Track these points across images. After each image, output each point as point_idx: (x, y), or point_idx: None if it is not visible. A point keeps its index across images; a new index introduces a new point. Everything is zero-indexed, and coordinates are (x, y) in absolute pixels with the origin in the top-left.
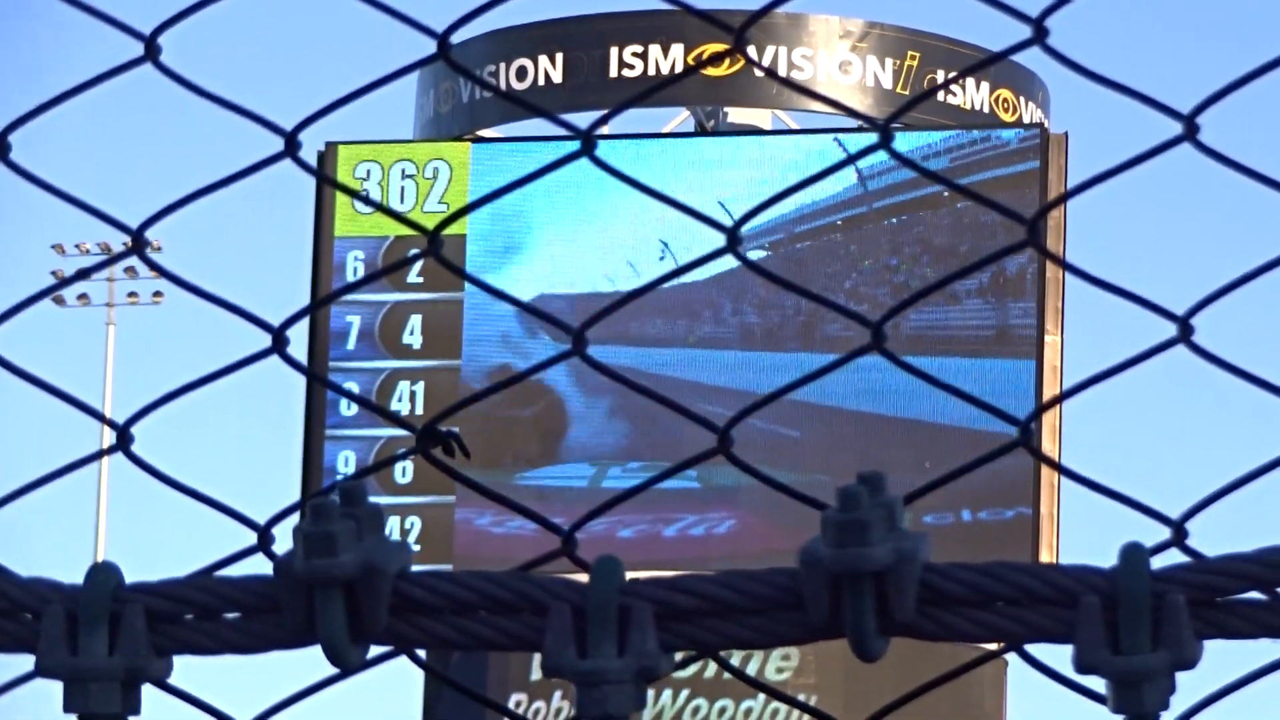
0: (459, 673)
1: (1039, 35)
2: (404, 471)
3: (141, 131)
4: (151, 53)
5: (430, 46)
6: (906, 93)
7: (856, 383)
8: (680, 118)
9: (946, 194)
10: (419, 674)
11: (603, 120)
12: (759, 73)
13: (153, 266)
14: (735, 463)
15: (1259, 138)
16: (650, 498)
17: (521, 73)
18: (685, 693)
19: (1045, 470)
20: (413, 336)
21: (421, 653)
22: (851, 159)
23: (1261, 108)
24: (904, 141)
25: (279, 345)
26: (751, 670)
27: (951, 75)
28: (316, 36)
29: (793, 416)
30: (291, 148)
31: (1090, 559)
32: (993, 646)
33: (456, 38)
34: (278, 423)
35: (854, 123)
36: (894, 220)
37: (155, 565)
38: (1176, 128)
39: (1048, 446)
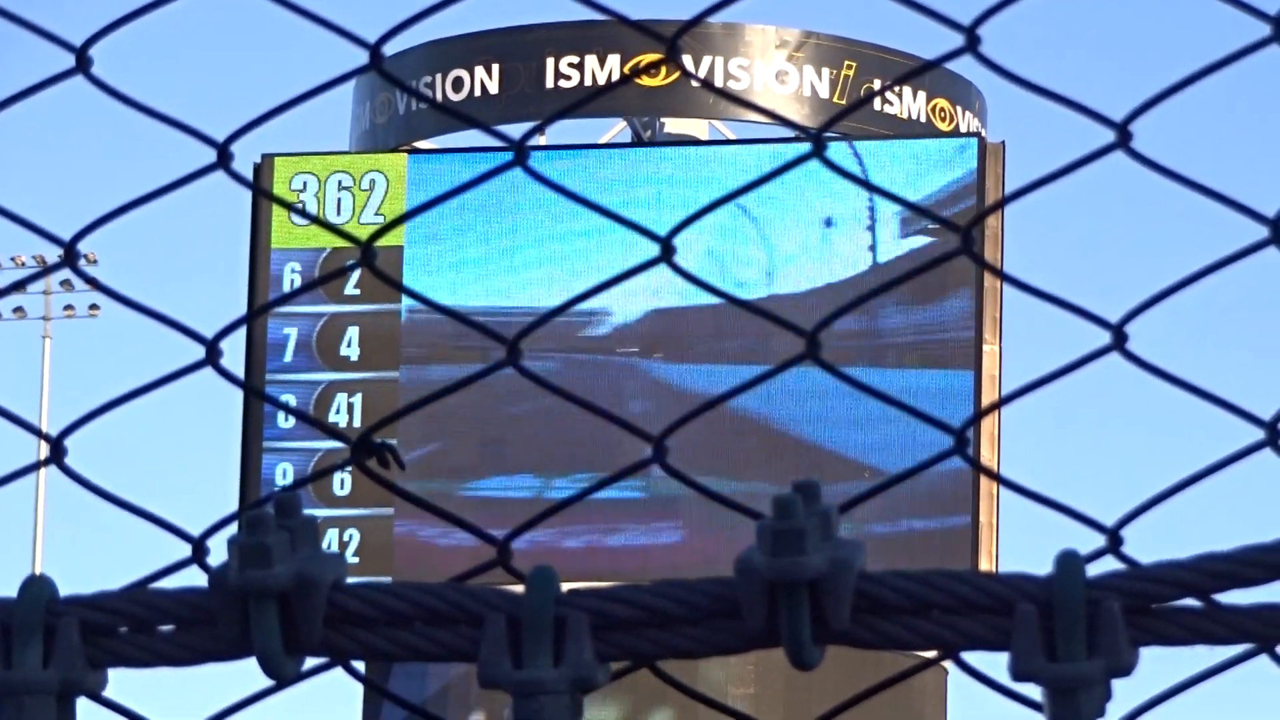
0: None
1: (971, 43)
2: (342, 484)
3: (81, 145)
4: (83, 64)
5: (364, 58)
6: (843, 102)
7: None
8: (617, 128)
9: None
10: (358, 684)
11: (536, 130)
12: (695, 83)
13: (85, 278)
14: (670, 472)
15: (1203, 145)
16: (592, 508)
17: (458, 83)
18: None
19: (985, 479)
20: (350, 348)
21: (360, 665)
22: (785, 168)
23: (1201, 115)
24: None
25: (213, 357)
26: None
27: (885, 84)
28: (252, 49)
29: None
30: (224, 159)
31: (1031, 568)
32: (931, 654)
33: (392, 48)
34: (217, 436)
35: (791, 132)
36: None
37: (94, 578)
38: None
39: (986, 455)
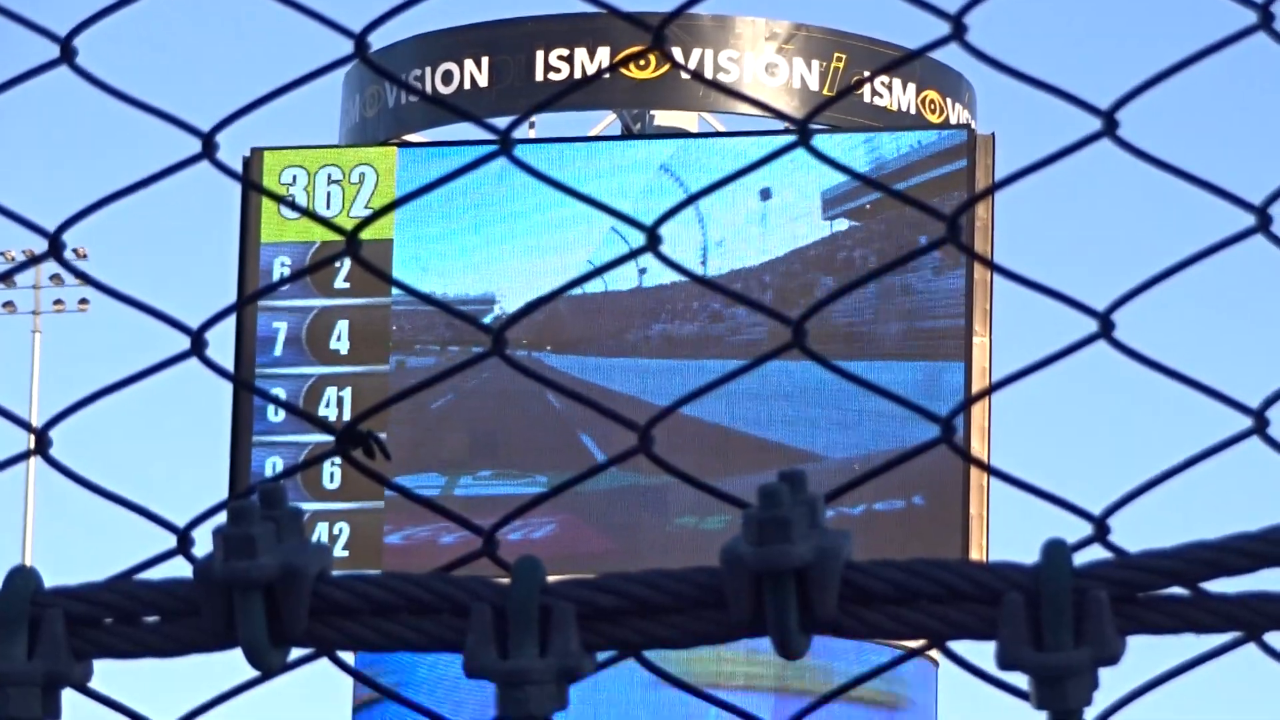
0: None
1: (958, 31)
2: (331, 477)
3: (66, 137)
4: (67, 55)
5: (350, 49)
6: (833, 94)
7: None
8: (606, 121)
9: (869, 206)
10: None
11: (522, 119)
12: (685, 75)
13: (71, 269)
14: (657, 461)
15: (1191, 133)
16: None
17: (447, 77)
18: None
19: (975, 472)
20: (340, 342)
21: (350, 657)
22: (771, 156)
23: (1188, 103)
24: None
25: (198, 347)
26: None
27: (870, 73)
28: (241, 44)
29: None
30: (209, 149)
31: (1020, 560)
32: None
33: (382, 41)
34: (207, 430)
35: (781, 125)
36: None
37: (84, 569)
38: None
39: (976, 447)
